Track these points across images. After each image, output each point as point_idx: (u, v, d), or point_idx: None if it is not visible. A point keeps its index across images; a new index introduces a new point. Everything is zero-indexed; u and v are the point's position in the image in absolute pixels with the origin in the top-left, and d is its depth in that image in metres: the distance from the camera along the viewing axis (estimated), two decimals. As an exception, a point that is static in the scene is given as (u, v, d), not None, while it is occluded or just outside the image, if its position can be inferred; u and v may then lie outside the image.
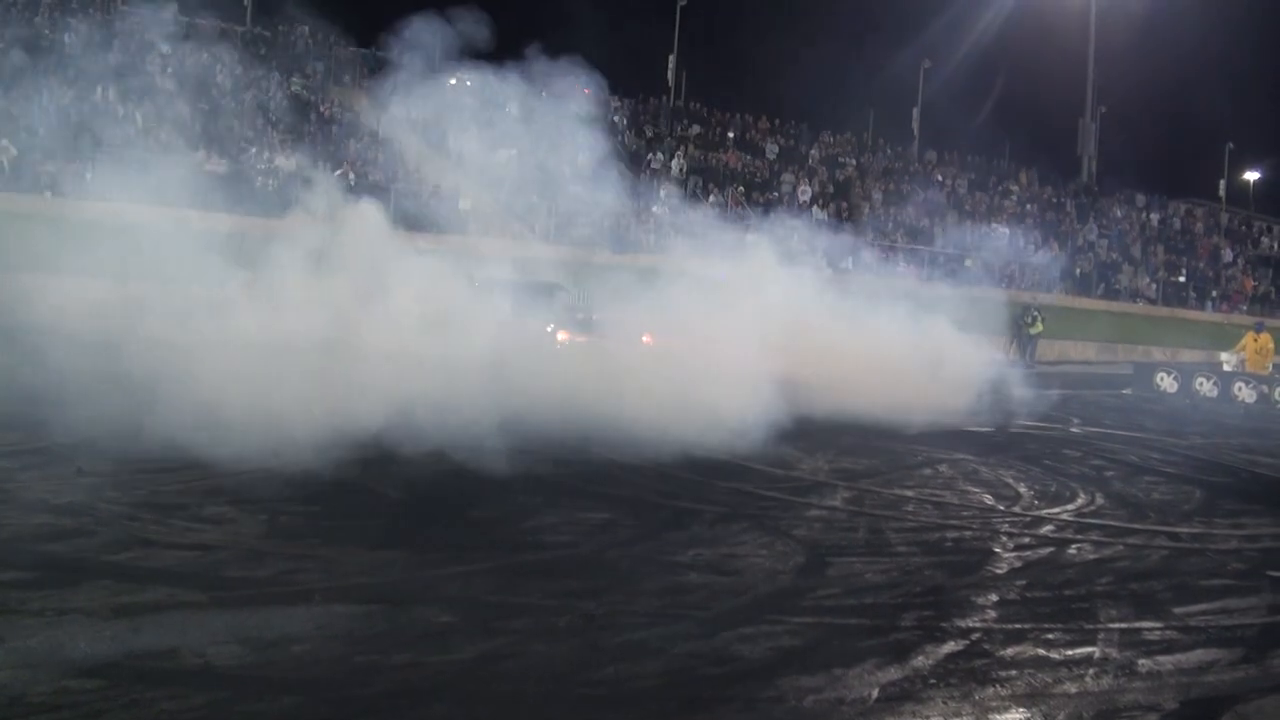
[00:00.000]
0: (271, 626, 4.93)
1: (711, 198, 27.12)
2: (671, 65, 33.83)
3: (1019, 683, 4.96)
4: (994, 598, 6.14)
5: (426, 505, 7.29)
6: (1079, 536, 7.68)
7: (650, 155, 27.71)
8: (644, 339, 13.74)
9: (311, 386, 9.37)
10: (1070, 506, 8.72)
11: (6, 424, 8.43)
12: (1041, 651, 5.35)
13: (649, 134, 28.84)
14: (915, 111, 35.77)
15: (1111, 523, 8.17)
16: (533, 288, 15.68)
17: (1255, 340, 19.80)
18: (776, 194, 28.15)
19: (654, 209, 25.50)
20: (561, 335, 13.92)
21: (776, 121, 32.22)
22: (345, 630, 4.99)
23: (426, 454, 8.50)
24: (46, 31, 20.82)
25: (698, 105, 32.04)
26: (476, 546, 6.44)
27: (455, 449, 8.50)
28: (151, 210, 16.33)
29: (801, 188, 28.39)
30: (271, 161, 20.68)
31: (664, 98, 32.30)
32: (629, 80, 31.00)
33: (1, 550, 5.61)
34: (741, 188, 27.73)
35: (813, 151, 31.11)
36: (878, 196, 29.91)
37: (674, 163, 27.66)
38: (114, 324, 10.61)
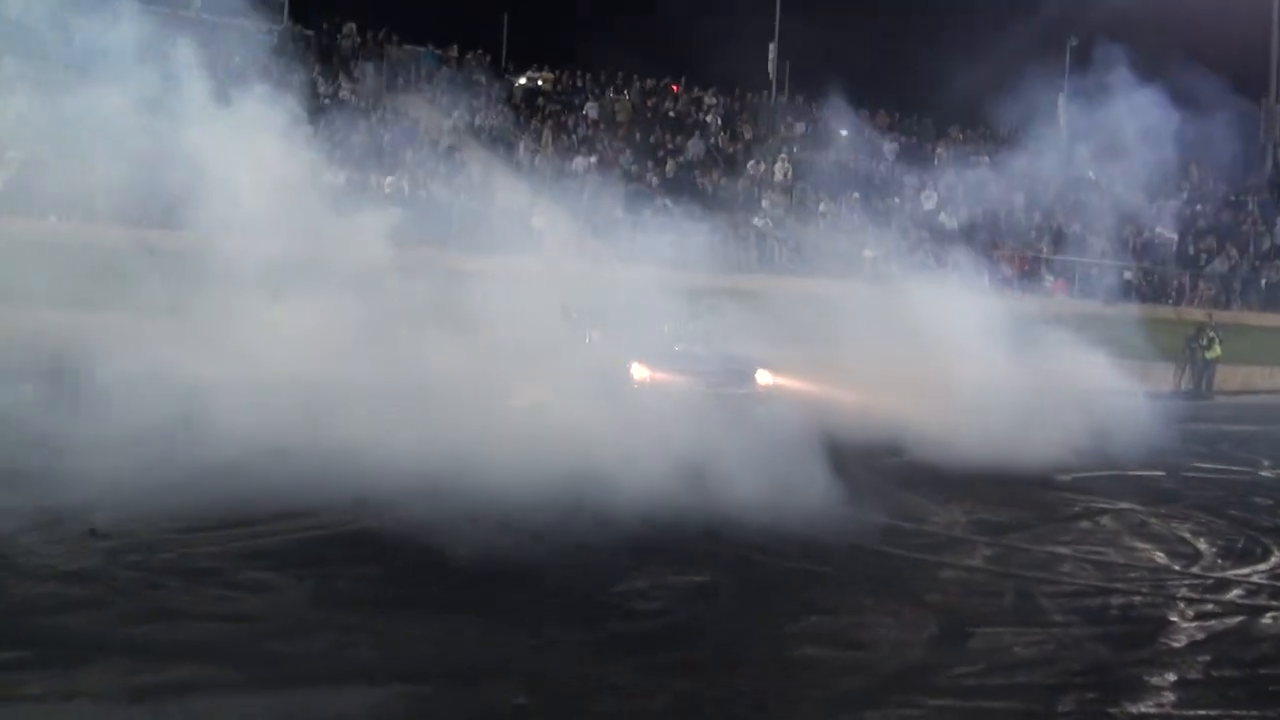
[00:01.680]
0: (319, 710, 4.95)
1: (821, 206, 26.97)
2: (772, 55, 33.87)
3: (1208, 781, 4.75)
4: (1171, 677, 5.92)
5: (499, 568, 7.28)
6: (1274, 603, 7.38)
7: (750, 159, 27.73)
8: (761, 380, 13.82)
9: (367, 433, 9.53)
10: (1262, 566, 8.41)
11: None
12: (1235, 743, 5.13)
13: (747, 135, 28.86)
14: (1060, 100, 35.20)
15: (1316, 585, 7.86)
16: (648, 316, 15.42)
17: None
18: (897, 200, 27.90)
19: (755, 221, 25.47)
20: (640, 374, 13.66)
21: (896, 116, 31.99)
22: (405, 713, 4.99)
23: (500, 511, 8.52)
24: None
25: (803, 99, 32.00)
26: (556, 616, 6.41)
27: (532, 506, 8.52)
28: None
29: (927, 192, 28.09)
30: (319, 177, 21.13)
31: (764, 92, 32.35)
32: (723, 73, 31.07)
33: (0, 624, 5.67)
34: (856, 194, 27.56)
35: (939, 150, 30.79)
36: (1018, 200, 29.46)
37: (777, 167, 27.61)
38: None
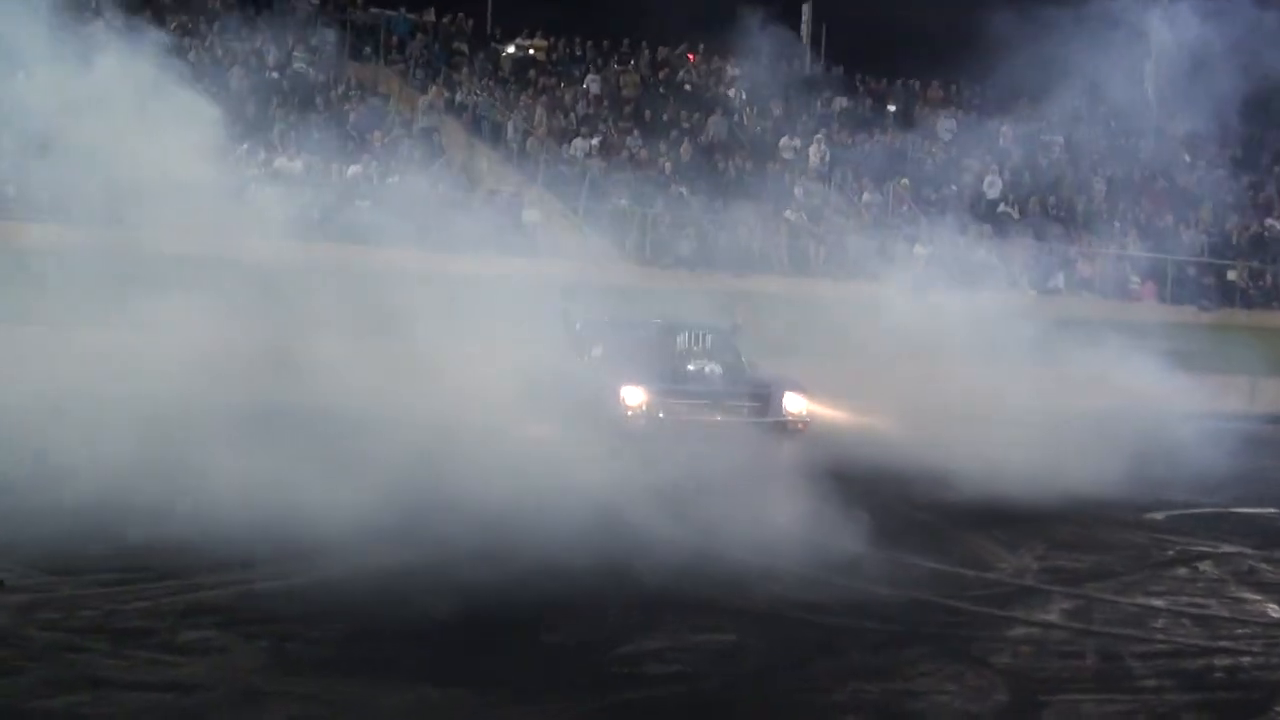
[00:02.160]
0: (273, 795, 4.94)
1: (865, 195, 27.01)
2: (806, 17, 33.97)
3: None
4: (1290, 753, 5.89)
5: (485, 625, 7.27)
6: None
7: (780, 140, 27.78)
8: (791, 405, 13.61)
9: (329, 466, 9.59)
10: (1398, 620, 8.38)
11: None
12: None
13: (777, 111, 28.92)
14: (1148, 67, 35.18)
15: None
16: (670, 329, 14.97)
17: None
18: (954, 188, 27.92)
19: (787, 214, 25.49)
20: (635, 399, 13.15)
21: (953, 88, 32.04)
22: (373, 800, 4.98)
23: (488, 555, 8.54)
24: None
25: (843, 70, 32.04)
26: (555, 681, 6.40)
27: (527, 547, 8.54)
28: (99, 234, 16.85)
29: (989, 178, 28.10)
30: (270, 164, 21.21)
31: (797, 61, 32.40)
32: (748, 39, 31.08)
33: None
34: (905, 181, 27.58)
35: (1004, 128, 30.80)
36: (1099, 187, 29.45)
37: (812, 150, 27.67)
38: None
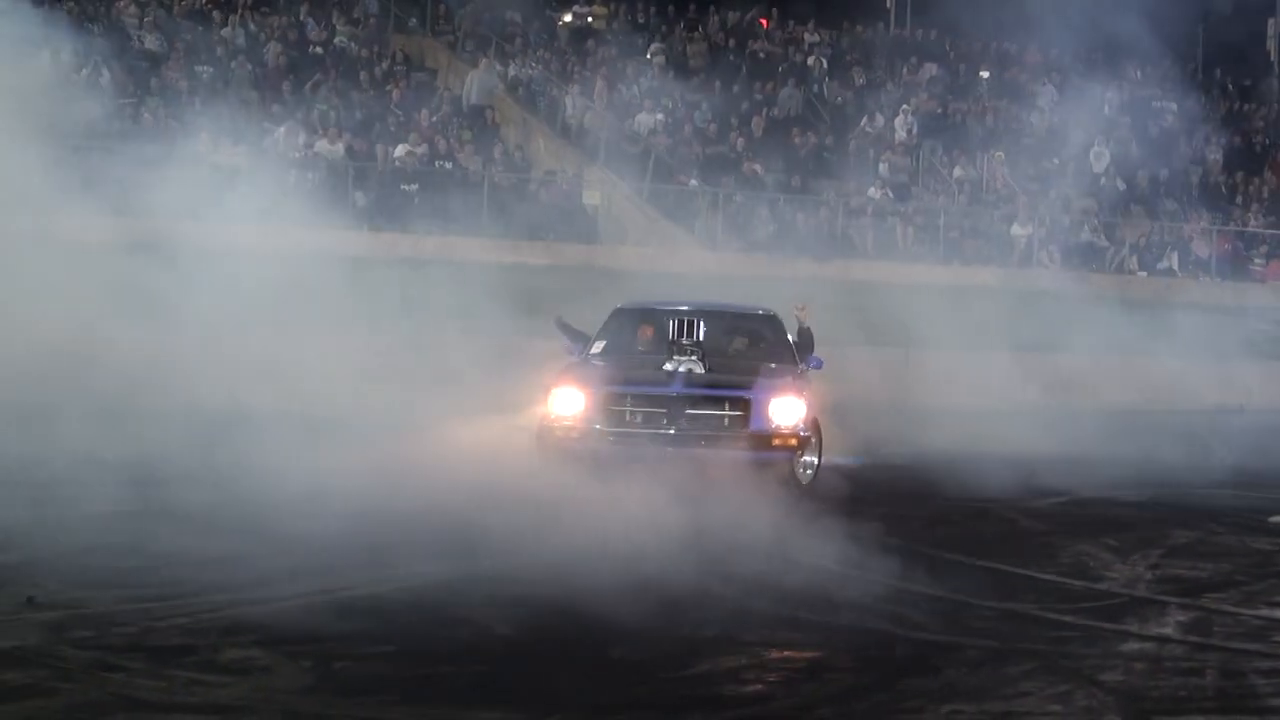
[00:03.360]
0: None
1: (957, 170, 26.83)
2: (889, -24, 33.81)
3: None
4: None
5: (546, 643, 7.32)
6: None
7: (863, 113, 27.64)
8: (780, 416, 11.83)
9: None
10: None
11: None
12: None
13: (859, 80, 28.78)
14: (1271, 25, 34.72)
15: None
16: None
17: None
18: (1056, 161, 27.66)
19: (870, 192, 25.37)
20: (565, 411, 11.68)
21: (1054, 53, 31.69)
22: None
23: (548, 567, 8.60)
24: None
25: (933, 33, 31.80)
26: (621, 702, 6.42)
27: (592, 560, 8.61)
28: (133, 226, 17.16)
29: (1094, 150, 27.83)
30: (311, 147, 21.40)
31: (880, 25, 32.25)
32: (830, 2, 30.95)
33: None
34: (1001, 154, 27.36)
35: (1109, 95, 30.47)
36: (1216, 159, 29.08)
37: (898, 122, 27.51)
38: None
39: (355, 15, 25.93)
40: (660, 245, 22.67)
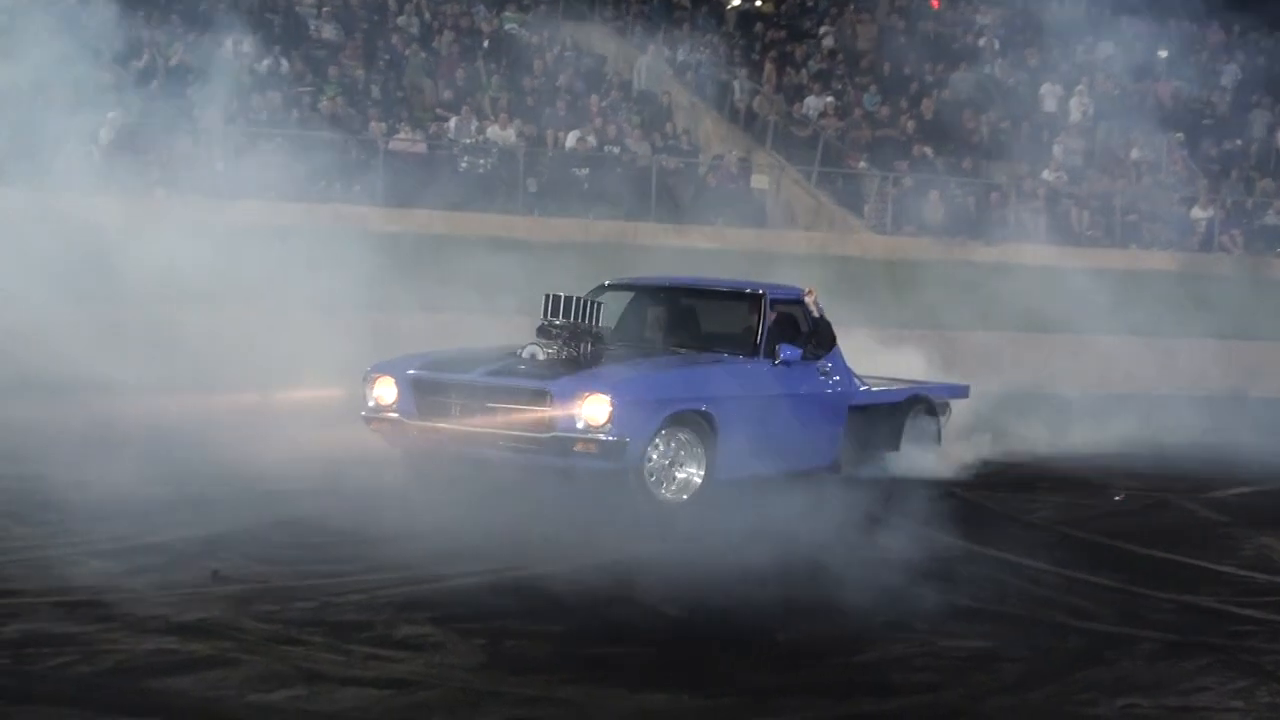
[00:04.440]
0: (493, 800, 5.07)
1: (1134, 152, 26.20)
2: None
3: None
4: None
5: (715, 626, 7.33)
6: None
7: (1038, 92, 27.13)
8: (592, 413, 9.55)
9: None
10: None
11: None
12: None
13: (1032, 61, 28.25)
14: None
15: None
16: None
17: None
18: (1239, 142, 26.87)
19: (1044, 175, 24.92)
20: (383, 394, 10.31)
21: (1236, 29, 30.77)
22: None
23: (711, 549, 8.60)
24: None
25: (1108, 11, 31.03)
26: (789, 688, 6.41)
27: (763, 546, 8.61)
28: (315, 209, 17.59)
29: (1280, 130, 27.00)
30: (482, 134, 21.67)
31: (1054, 4, 31.59)
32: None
33: (99, 687, 5.90)
34: (1180, 135, 26.66)
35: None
36: None
37: (1073, 103, 26.95)
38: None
39: (526, 3, 26.16)
40: (829, 229, 22.54)
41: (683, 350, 10.97)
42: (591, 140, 22.31)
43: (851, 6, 29.25)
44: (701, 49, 26.54)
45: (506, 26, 24.89)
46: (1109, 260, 22.36)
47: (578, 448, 9.46)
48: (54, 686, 5.88)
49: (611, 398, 9.39)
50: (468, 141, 21.41)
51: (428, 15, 24.34)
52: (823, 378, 11.35)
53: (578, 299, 10.27)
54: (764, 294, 11.21)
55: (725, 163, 23.10)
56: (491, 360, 10.15)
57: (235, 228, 15.32)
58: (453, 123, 21.67)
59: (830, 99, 25.29)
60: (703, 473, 10.08)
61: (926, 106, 25.69)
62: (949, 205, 23.30)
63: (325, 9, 23.32)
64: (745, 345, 10.88)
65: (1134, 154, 26.08)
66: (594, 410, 9.40)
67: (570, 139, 22.20)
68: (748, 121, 24.91)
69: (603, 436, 9.40)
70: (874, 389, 12.15)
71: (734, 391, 10.41)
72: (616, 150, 22.53)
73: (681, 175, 22.81)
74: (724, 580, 8.05)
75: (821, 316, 11.57)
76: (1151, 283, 20.42)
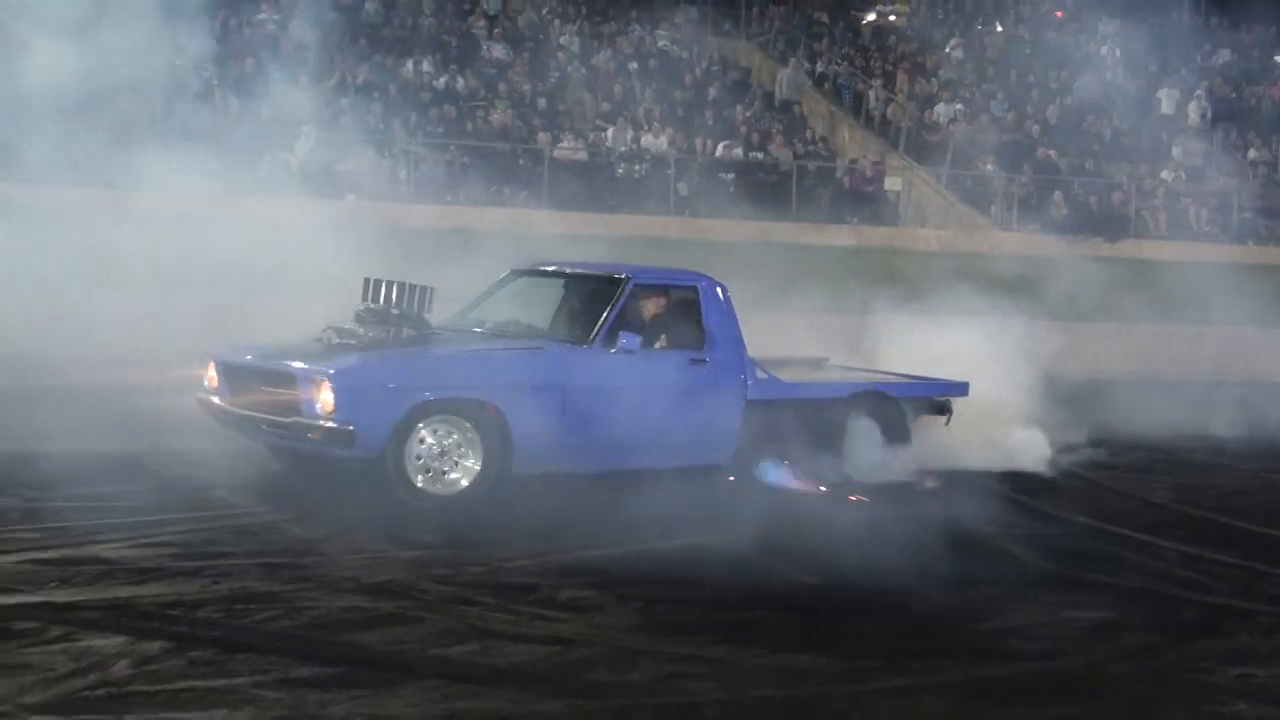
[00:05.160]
0: (649, 749, 5.12)
1: (1252, 153, 25.43)
2: (1182, -33, 32.21)
3: None
4: None
5: (851, 594, 7.30)
6: None
7: (1157, 96, 26.45)
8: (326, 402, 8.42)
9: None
10: None
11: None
12: None
13: (1153, 66, 27.53)
14: None
15: None
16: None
17: None
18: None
19: (1162, 175, 24.30)
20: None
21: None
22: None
23: (864, 521, 8.66)
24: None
25: (1224, 21, 30.25)
26: (920, 653, 6.36)
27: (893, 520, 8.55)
28: (487, 213, 17.82)
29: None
30: (637, 141, 21.76)
31: (1175, 14, 30.79)
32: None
33: (300, 640, 6.08)
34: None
35: None
36: None
37: (1192, 106, 26.22)
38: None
39: (677, 21, 26.19)
40: (958, 227, 22.24)
41: (510, 336, 9.49)
42: (738, 150, 22.29)
43: (979, 19, 28.82)
44: (839, 61, 26.36)
45: (660, 44, 24.93)
46: (1227, 255, 21.73)
47: (310, 434, 8.43)
48: (260, 638, 6.06)
49: (332, 384, 8.32)
50: (624, 150, 21.51)
51: (588, 35, 24.49)
52: (695, 370, 9.50)
53: (398, 284, 9.17)
54: (624, 279, 9.54)
55: (861, 167, 22.91)
56: (296, 345, 9.06)
57: (416, 230, 15.57)
58: (610, 132, 21.79)
59: (959, 106, 24.93)
60: (480, 465, 8.66)
61: (1051, 112, 25.21)
62: (1072, 204, 22.86)
63: (496, 31, 23.59)
64: (582, 331, 9.34)
65: (1251, 154, 25.32)
66: (322, 396, 8.37)
67: (718, 147, 22.19)
68: (882, 128, 24.68)
69: (328, 423, 8.32)
70: (793, 385, 10.11)
71: (535, 380, 8.91)
72: (760, 156, 22.47)
73: (820, 178, 22.67)
74: (859, 555, 8.00)
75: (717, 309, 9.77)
76: (1267, 276, 19.78)
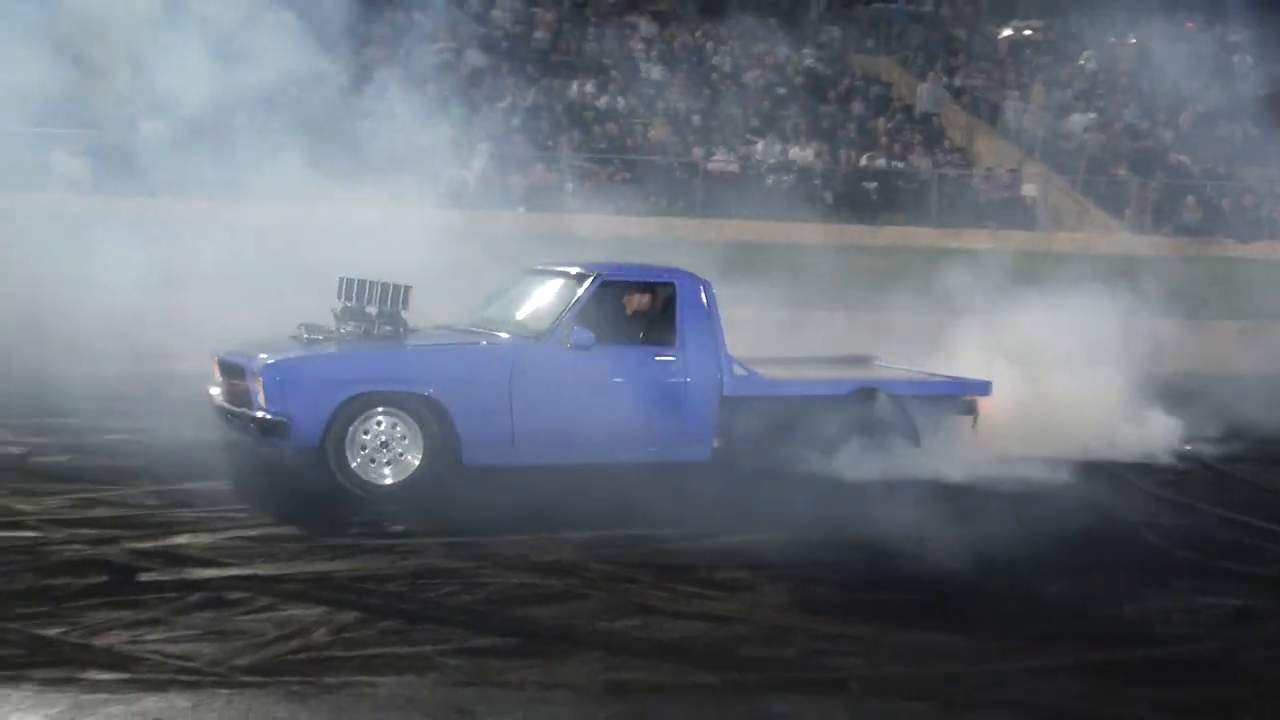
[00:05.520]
0: (798, 719, 5.08)
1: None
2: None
3: None
4: None
5: (991, 578, 7.16)
6: None
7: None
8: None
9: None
10: None
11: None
12: None
13: (1284, 72, 26.48)
14: None
15: None
16: None
17: None
18: None
19: (1293, 175, 23.35)
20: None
21: None
22: (892, 733, 5.02)
23: (998, 511, 8.49)
24: (509, 26, 23.40)
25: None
26: (1057, 635, 6.22)
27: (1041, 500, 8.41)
28: (646, 222, 17.89)
29: None
30: (785, 154, 21.65)
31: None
32: (1254, 5, 28.60)
33: (478, 612, 6.20)
34: None
35: None
36: None
37: (1323, 110, 25.15)
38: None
39: (822, 40, 25.97)
40: (1092, 231, 21.66)
41: (475, 332, 9.09)
42: (880, 160, 22.04)
43: (1112, 35, 28.01)
44: (976, 74, 25.87)
45: (805, 63, 24.75)
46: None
47: (252, 424, 8.30)
48: (442, 610, 6.18)
49: (264, 378, 8.20)
50: (772, 161, 21.40)
51: (739, 55, 24.43)
52: (660, 366, 8.98)
53: (370, 283, 8.98)
54: (590, 276, 9.04)
55: (998, 174, 22.45)
56: (270, 341, 8.84)
57: (580, 238, 15.68)
58: (760, 145, 21.69)
59: (1093, 115, 24.29)
60: (420, 457, 8.38)
61: (1184, 119, 24.41)
62: (1205, 207, 22.11)
63: (653, 54, 23.65)
64: (541, 327, 8.85)
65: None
66: (258, 389, 8.23)
67: (861, 158, 21.97)
68: (1018, 137, 24.15)
69: (263, 415, 8.19)
70: (775, 382, 9.42)
71: (479, 374, 8.58)
72: (901, 165, 22.16)
73: (958, 185, 22.27)
74: (998, 542, 7.84)
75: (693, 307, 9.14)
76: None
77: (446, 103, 19.36)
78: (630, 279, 9.32)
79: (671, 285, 9.17)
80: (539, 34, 23.53)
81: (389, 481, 8.37)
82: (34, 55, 12.44)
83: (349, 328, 8.93)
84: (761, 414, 9.17)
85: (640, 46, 23.88)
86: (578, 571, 6.92)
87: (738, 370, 9.17)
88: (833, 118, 23.09)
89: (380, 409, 8.32)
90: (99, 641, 5.55)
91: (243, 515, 7.83)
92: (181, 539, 7.22)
